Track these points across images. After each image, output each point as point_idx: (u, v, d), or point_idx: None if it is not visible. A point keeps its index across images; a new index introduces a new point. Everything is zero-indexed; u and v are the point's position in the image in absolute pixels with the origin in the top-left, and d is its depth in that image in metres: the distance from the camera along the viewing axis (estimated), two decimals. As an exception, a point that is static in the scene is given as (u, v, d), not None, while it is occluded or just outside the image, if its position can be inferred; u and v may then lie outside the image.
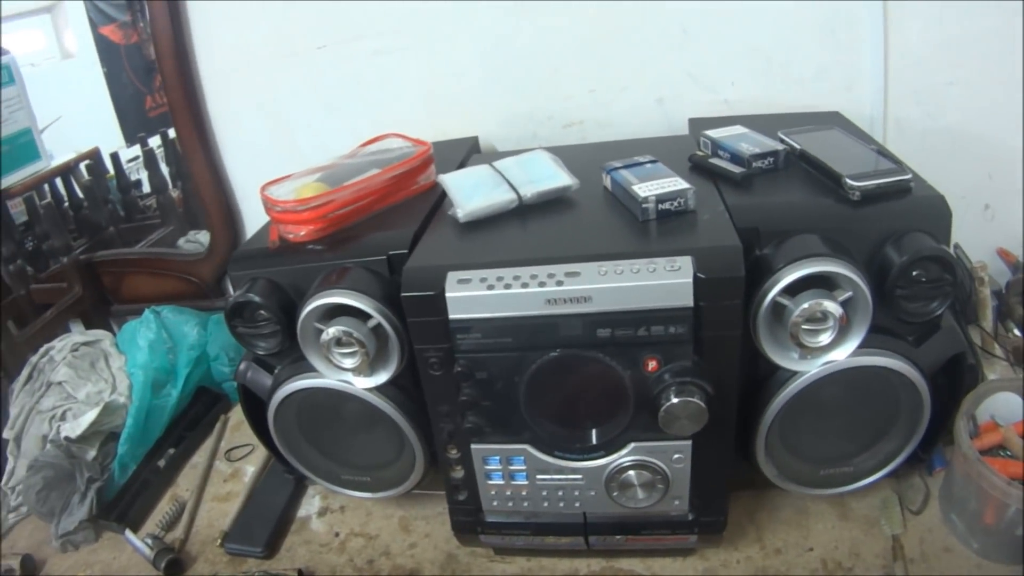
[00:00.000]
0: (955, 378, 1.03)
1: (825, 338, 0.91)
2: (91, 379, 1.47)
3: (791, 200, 1.01)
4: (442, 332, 0.91)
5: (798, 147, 1.07)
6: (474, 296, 0.88)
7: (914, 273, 0.92)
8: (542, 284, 0.87)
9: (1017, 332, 1.33)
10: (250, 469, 1.38)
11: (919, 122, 1.37)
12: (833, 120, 1.20)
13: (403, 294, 0.91)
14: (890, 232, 0.93)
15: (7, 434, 1.43)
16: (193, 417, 1.51)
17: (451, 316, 0.90)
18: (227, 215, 1.58)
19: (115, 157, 1.77)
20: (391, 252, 1.00)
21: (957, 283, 0.93)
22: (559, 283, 0.86)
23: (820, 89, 1.36)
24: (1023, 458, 1.07)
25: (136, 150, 1.78)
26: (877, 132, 1.36)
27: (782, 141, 1.10)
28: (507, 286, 0.87)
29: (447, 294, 0.89)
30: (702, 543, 1.08)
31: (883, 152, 1.04)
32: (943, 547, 1.07)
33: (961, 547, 1.07)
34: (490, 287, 0.88)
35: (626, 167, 1.04)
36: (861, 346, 0.93)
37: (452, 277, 0.90)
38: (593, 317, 0.87)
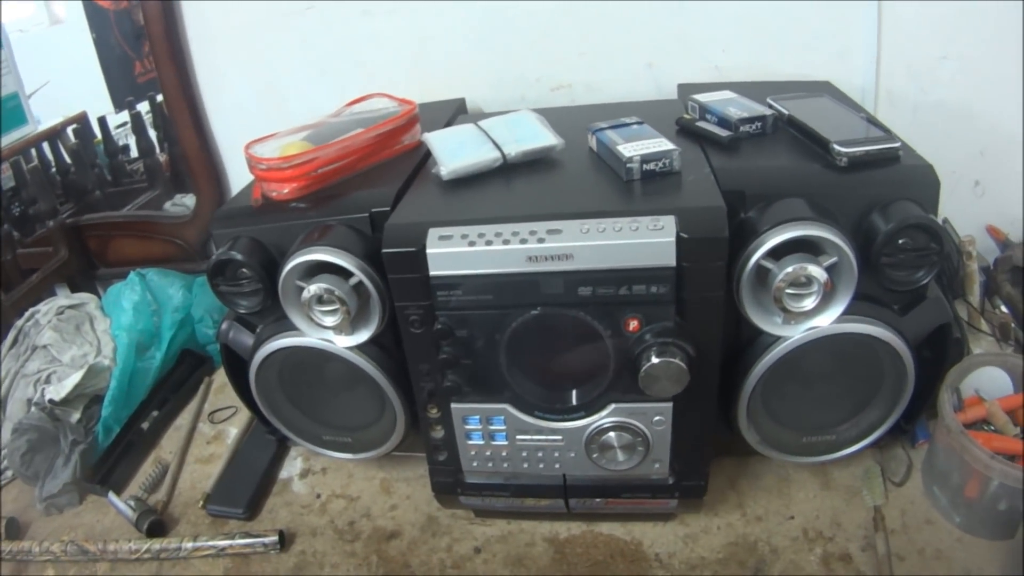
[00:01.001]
0: (940, 350, 1.02)
1: (809, 303, 0.90)
2: (76, 342, 1.46)
3: (778, 164, 1.00)
4: (422, 289, 0.91)
5: (786, 113, 1.06)
6: (455, 252, 0.88)
7: (900, 241, 0.91)
8: (523, 241, 0.86)
9: (1004, 308, 1.33)
10: (233, 431, 1.39)
11: (911, 95, 1.36)
12: (824, 89, 1.19)
13: (384, 250, 0.90)
14: (877, 199, 0.92)
15: (-8, 398, 1.43)
16: (177, 379, 1.50)
17: (431, 272, 0.89)
18: (213, 178, 1.57)
19: (102, 121, 1.76)
20: (373, 209, 0.99)
21: (943, 253, 0.92)
22: (540, 240, 0.86)
23: (812, 59, 1.35)
24: (1007, 432, 1.07)
25: (125, 115, 1.77)
26: (868, 104, 1.35)
27: (770, 107, 1.09)
28: (488, 243, 0.87)
29: (428, 250, 0.88)
30: (682, 508, 1.08)
31: (872, 120, 1.03)
32: (924, 519, 1.07)
33: (943, 520, 1.07)
34: (471, 243, 0.87)
35: (612, 128, 1.04)
36: (845, 313, 0.92)
37: (433, 233, 0.89)
38: (574, 275, 0.87)
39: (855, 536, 1.06)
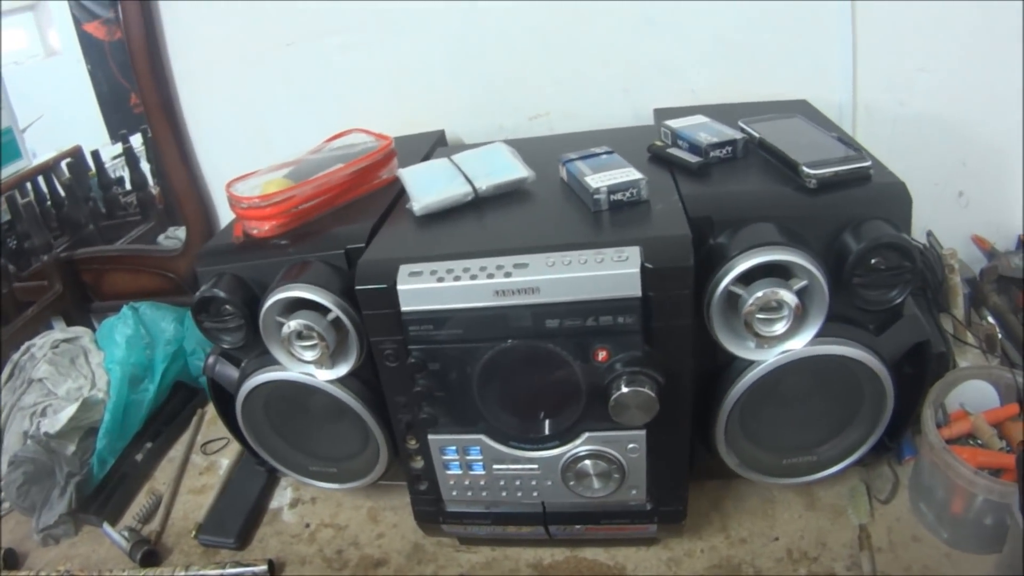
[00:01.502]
0: (921, 366, 1.02)
1: (780, 327, 0.91)
2: (71, 375, 1.48)
3: (747, 188, 1.01)
4: (395, 324, 0.92)
5: (757, 136, 1.07)
6: (424, 288, 0.89)
7: (872, 261, 0.92)
8: (490, 276, 0.87)
9: (990, 319, 1.33)
10: (225, 462, 1.40)
11: (890, 109, 1.36)
12: (799, 108, 1.19)
13: (356, 287, 0.92)
14: (848, 220, 0.93)
15: (-11, 431, 1.45)
16: (170, 411, 1.52)
17: (403, 308, 0.90)
18: (202, 211, 1.59)
19: (96, 155, 1.77)
20: (349, 246, 1.00)
21: (917, 270, 0.92)
22: (507, 275, 0.87)
23: (788, 77, 1.36)
24: (992, 446, 1.07)
25: (120, 147, 1.79)
26: (846, 120, 1.35)
27: (742, 130, 1.09)
28: (456, 278, 0.88)
29: (398, 287, 0.89)
30: (664, 532, 1.08)
31: (844, 139, 1.03)
32: (912, 536, 1.07)
33: (930, 536, 1.06)
34: (440, 279, 0.88)
35: (581, 158, 1.05)
36: (819, 335, 0.93)
37: (404, 270, 0.90)
38: (541, 308, 0.87)
39: (841, 555, 1.06)
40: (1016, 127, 1.35)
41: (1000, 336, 1.29)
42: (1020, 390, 1.10)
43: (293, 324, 0.97)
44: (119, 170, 1.82)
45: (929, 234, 1.39)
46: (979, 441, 1.10)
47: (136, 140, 1.77)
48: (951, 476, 1.00)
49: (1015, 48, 1.29)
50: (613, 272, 0.85)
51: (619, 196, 0.96)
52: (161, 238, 1.75)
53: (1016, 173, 1.40)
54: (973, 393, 1.15)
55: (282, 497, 1.32)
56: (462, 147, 1.18)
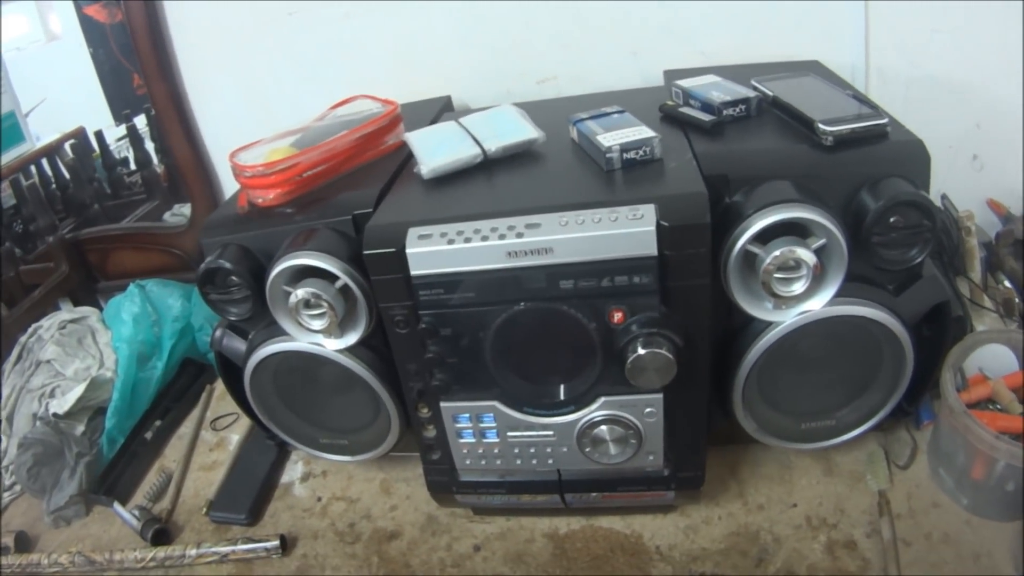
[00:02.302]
0: (940, 329, 1.01)
1: (799, 287, 0.89)
2: (79, 356, 1.48)
3: (762, 146, 0.99)
4: (405, 289, 0.90)
5: (771, 94, 1.05)
6: (434, 251, 0.87)
7: (891, 219, 0.90)
8: (502, 237, 0.85)
9: (1007, 283, 1.30)
10: (235, 438, 1.40)
11: (903, 71, 1.34)
12: (811, 68, 1.17)
13: (364, 252, 0.90)
14: (866, 178, 0.91)
15: (-1, 415, 1.44)
16: (179, 388, 1.51)
17: (412, 272, 0.89)
18: (207, 186, 1.59)
19: (99, 135, 1.77)
20: (356, 212, 0.99)
21: (937, 229, 0.91)
22: (519, 235, 0.85)
23: (799, 39, 1.33)
24: (1013, 411, 1.05)
25: (124, 129, 1.78)
26: (859, 82, 1.33)
27: (755, 88, 1.07)
28: (467, 240, 0.86)
29: (408, 250, 0.88)
30: (681, 499, 1.07)
31: (859, 97, 1.01)
32: (931, 502, 1.06)
33: (949, 502, 1.05)
34: (450, 241, 0.87)
35: (592, 118, 1.03)
36: (838, 295, 0.91)
37: (413, 233, 0.89)
38: (555, 269, 0.86)
39: (860, 522, 1.05)
40: (1031, 88, 1.33)
41: (1017, 300, 1.27)
42: (1040, 354, 1.09)
43: (300, 293, 0.95)
44: (124, 151, 1.82)
45: (944, 197, 1.37)
46: (998, 406, 1.08)
47: (140, 121, 1.76)
48: (971, 441, 0.98)
49: (1031, 9, 1.26)
50: (628, 231, 0.83)
51: (632, 154, 0.94)
52: (167, 216, 1.74)
53: (1031, 135, 1.38)
54: (992, 357, 1.13)
55: (293, 471, 1.31)
56: (469, 113, 1.16)
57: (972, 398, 1.08)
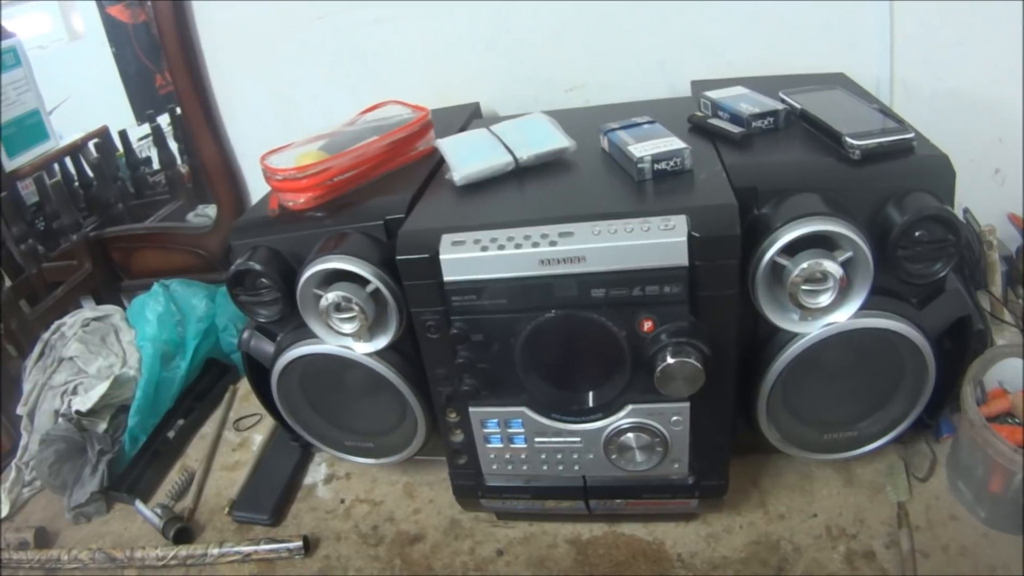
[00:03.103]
0: (961, 342, 1.01)
1: (825, 299, 0.90)
2: (102, 353, 1.49)
3: (790, 159, 1.00)
4: (437, 295, 0.91)
5: (799, 107, 1.06)
6: (468, 258, 0.88)
7: (916, 233, 0.91)
8: (535, 244, 0.86)
9: (1028, 297, 1.31)
10: (258, 438, 1.40)
11: (927, 84, 1.34)
12: (837, 81, 1.18)
13: (398, 257, 0.91)
14: (892, 192, 0.92)
15: (20, 410, 1.45)
16: (202, 388, 1.52)
17: (445, 278, 0.90)
18: (233, 187, 1.60)
19: (123, 134, 1.78)
20: (388, 217, 1.00)
21: (961, 244, 0.91)
22: (552, 243, 0.86)
23: (824, 50, 1.34)
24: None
25: (147, 128, 1.79)
26: (884, 94, 1.34)
27: (783, 101, 1.08)
28: (501, 247, 0.87)
29: (441, 256, 0.89)
30: (704, 507, 1.07)
31: (885, 111, 1.02)
32: (949, 515, 1.06)
33: (968, 515, 1.05)
34: (484, 248, 0.88)
35: (623, 128, 1.04)
36: (863, 308, 0.92)
37: (446, 239, 0.90)
38: (587, 277, 0.87)
39: (879, 533, 1.05)
40: (1052, 104, 1.34)
41: (1038, 315, 1.28)
42: (1059, 369, 1.09)
43: (331, 296, 0.96)
44: (146, 151, 1.83)
45: (966, 211, 1.37)
46: (1017, 420, 1.08)
47: (163, 120, 1.77)
48: (990, 454, 0.98)
49: (1052, 24, 1.27)
50: (660, 241, 0.84)
51: (663, 165, 0.95)
52: (190, 216, 1.75)
53: (1051, 150, 1.38)
54: (1012, 371, 1.13)
55: (316, 473, 1.31)
56: (498, 120, 1.17)
57: (991, 412, 1.08)
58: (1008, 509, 1.01)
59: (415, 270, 0.91)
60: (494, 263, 0.88)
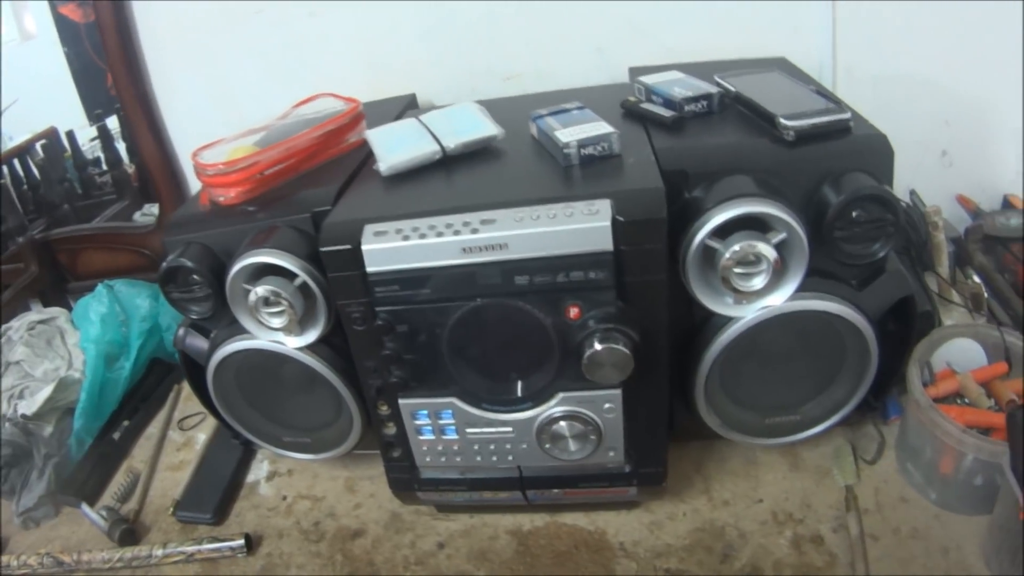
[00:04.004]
0: (906, 323, 1.01)
1: (759, 282, 0.89)
2: (48, 356, 1.47)
3: (722, 142, 0.99)
4: (361, 286, 0.90)
5: (733, 89, 1.05)
6: (389, 248, 0.87)
7: (853, 214, 0.90)
8: (457, 233, 0.85)
9: (976, 278, 1.31)
10: (202, 437, 1.39)
11: (871, 68, 1.34)
12: (777, 65, 1.17)
13: (321, 248, 0.90)
14: (828, 172, 0.91)
15: (-32, 417, 1.43)
16: (147, 388, 1.50)
17: (368, 269, 0.88)
18: (174, 185, 1.58)
19: (70, 135, 1.75)
20: (315, 209, 0.98)
21: (900, 223, 0.91)
22: (474, 231, 0.85)
23: (766, 36, 1.33)
24: (980, 405, 1.05)
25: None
26: (827, 79, 1.33)
27: (718, 84, 1.07)
28: (422, 236, 0.86)
29: (363, 247, 0.87)
30: (645, 495, 1.07)
31: (822, 92, 1.02)
32: (899, 497, 1.06)
33: (918, 497, 1.05)
34: (406, 238, 0.86)
35: (551, 114, 1.03)
36: (800, 290, 0.91)
37: (369, 230, 0.88)
38: (510, 264, 0.85)
39: (826, 517, 1.05)
40: (999, 86, 1.34)
41: (986, 295, 1.27)
42: (1008, 348, 1.08)
43: (260, 290, 0.95)
44: (97, 151, 1.80)
45: (912, 193, 1.37)
46: (967, 400, 1.08)
47: (113, 121, 1.75)
48: (939, 435, 0.98)
49: (997, 6, 1.26)
50: (584, 226, 0.83)
51: (590, 150, 0.94)
52: (137, 215, 1.73)
53: (1000, 132, 1.38)
54: (960, 352, 1.13)
55: (259, 470, 1.30)
56: (433, 110, 1.15)
57: (940, 392, 1.08)
58: (959, 490, 1.01)
59: (338, 261, 0.90)
60: (416, 252, 0.86)
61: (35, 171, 1.75)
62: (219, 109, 1.55)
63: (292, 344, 1.01)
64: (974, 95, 1.34)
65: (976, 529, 0.99)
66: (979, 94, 1.35)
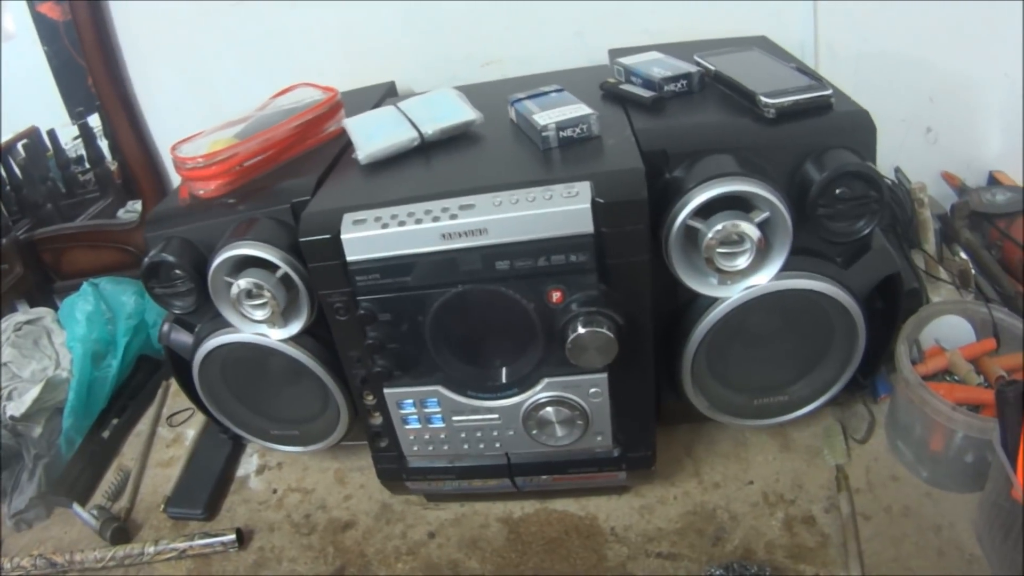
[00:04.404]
0: (893, 301, 1.01)
1: (743, 261, 0.89)
2: (35, 357, 1.46)
3: (703, 121, 0.98)
4: (342, 276, 0.89)
5: (713, 69, 1.04)
6: (369, 236, 0.86)
7: (837, 191, 0.89)
8: (436, 219, 0.84)
9: (963, 255, 1.30)
10: (191, 433, 1.38)
11: (852, 45, 1.33)
12: (757, 44, 1.16)
13: (300, 239, 0.89)
14: (810, 150, 0.90)
15: (-43, 419, 1.42)
16: (135, 386, 1.50)
17: (348, 258, 0.88)
18: (156, 181, 1.57)
19: (52, 134, 1.74)
20: (294, 200, 0.97)
21: (884, 200, 0.90)
22: (453, 217, 0.84)
23: (746, 15, 1.32)
24: (970, 382, 1.05)
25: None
26: (808, 58, 1.33)
27: (698, 64, 1.06)
28: (401, 223, 0.85)
29: (342, 236, 0.86)
30: (635, 479, 1.06)
31: (803, 69, 1.00)
32: (890, 476, 1.06)
33: (909, 475, 1.05)
34: (384, 226, 0.85)
35: (530, 97, 1.02)
36: (785, 269, 0.91)
37: (348, 219, 0.87)
38: (490, 249, 0.85)
39: (818, 497, 1.05)
40: (983, 62, 1.33)
41: (974, 271, 1.27)
42: (996, 325, 1.08)
43: (242, 283, 0.94)
44: (79, 149, 1.79)
45: (897, 170, 1.37)
46: (956, 377, 1.08)
47: (95, 119, 1.74)
48: (929, 413, 0.98)
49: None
50: (563, 208, 0.82)
51: (569, 132, 0.93)
52: (120, 213, 1.72)
53: (984, 109, 1.38)
54: (948, 329, 1.13)
55: (249, 464, 1.30)
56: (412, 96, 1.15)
57: (929, 370, 1.08)
58: (949, 467, 1.01)
59: (318, 251, 0.89)
60: (395, 240, 0.86)
61: (17, 171, 1.74)
62: (199, 103, 1.54)
63: (276, 336, 1.01)
64: (958, 71, 1.34)
65: (968, 506, 0.98)
66: (963, 70, 1.34)
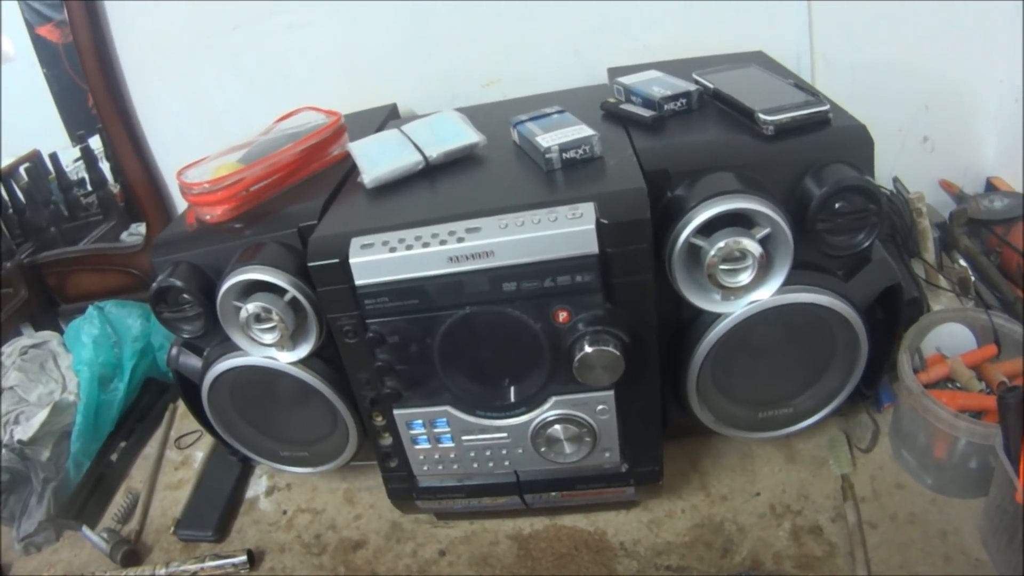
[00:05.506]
0: (894, 311, 1.01)
1: (745, 277, 0.89)
2: (41, 380, 1.47)
3: (703, 139, 0.99)
4: (350, 299, 0.90)
5: (712, 86, 1.05)
6: (377, 260, 0.87)
7: (836, 205, 0.90)
8: (443, 242, 0.85)
9: (962, 262, 1.31)
10: (199, 455, 1.39)
11: (848, 56, 1.34)
12: (754, 59, 1.17)
13: (309, 263, 0.90)
14: (809, 165, 0.91)
15: (-37, 444, 1.43)
16: (142, 408, 1.51)
17: (357, 282, 0.89)
18: (160, 204, 1.58)
19: (54, 157, 1.75)
20: (301, 224, 0.98)
21: (883, 213, 0.91)
22: (460, 240, 0.85)
23: (742, 29, 1.33)
24: (971, 388, 1.06)
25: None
26: (804, 70, 1.34)
27: (696, 82, 1.07)
28: (408, 247, 0.86)
29: (351, 260, 0.87)
30: (643, 494, 1.07)
31: (801, 85, 1.02)
32: (895, 484, 1.07)
33: (914, 483, 1.06)
34: (392, 249, 0.86)
35: (532, 119, 1.03)
36: (786, 283, 0.91)
37: (356, 243, 0.88)
38: (497, 271, 0.86)
39: (824, 507, 1.05)
40: (977, 68, 1.34)
41: (974, 279, 1.28)
42: (996, 331, 1.09)
43: (250, 307, 0.95)
44: (81, 172, 1.80)
45: (895, 180, 1.38)
46: (958, 384, 1.09)
47: (96, 141, 1.74)
48: (931, 420, 0.99)
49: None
50: (568, 230, 0.83)
51: (571, 154, 0.94)
52: (124, 236, 1.72)
53: (981, 116, 1.39)
54: (949, 336, 1.14)
55: (258, 486, 1.31)
56: (414, 119, 1.15)
57: (931, 378, 1.09)
58: (954, 474, 1.02)
59: (327, 275, 0.90)
60: (403, 263, 0.87)
61: (20, 195, 1.75)
62: (201, 125, 1.55)
63: (285, 359, 1.01)
64: (953, 79, 1.35)
65: (973, 512, 0.99)
66: (958, 78, 1.35)
